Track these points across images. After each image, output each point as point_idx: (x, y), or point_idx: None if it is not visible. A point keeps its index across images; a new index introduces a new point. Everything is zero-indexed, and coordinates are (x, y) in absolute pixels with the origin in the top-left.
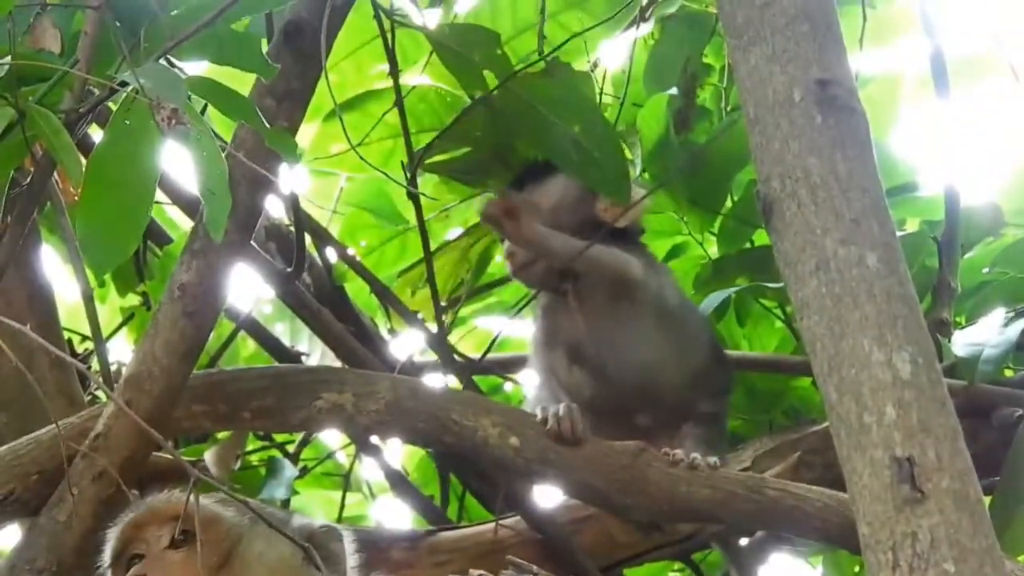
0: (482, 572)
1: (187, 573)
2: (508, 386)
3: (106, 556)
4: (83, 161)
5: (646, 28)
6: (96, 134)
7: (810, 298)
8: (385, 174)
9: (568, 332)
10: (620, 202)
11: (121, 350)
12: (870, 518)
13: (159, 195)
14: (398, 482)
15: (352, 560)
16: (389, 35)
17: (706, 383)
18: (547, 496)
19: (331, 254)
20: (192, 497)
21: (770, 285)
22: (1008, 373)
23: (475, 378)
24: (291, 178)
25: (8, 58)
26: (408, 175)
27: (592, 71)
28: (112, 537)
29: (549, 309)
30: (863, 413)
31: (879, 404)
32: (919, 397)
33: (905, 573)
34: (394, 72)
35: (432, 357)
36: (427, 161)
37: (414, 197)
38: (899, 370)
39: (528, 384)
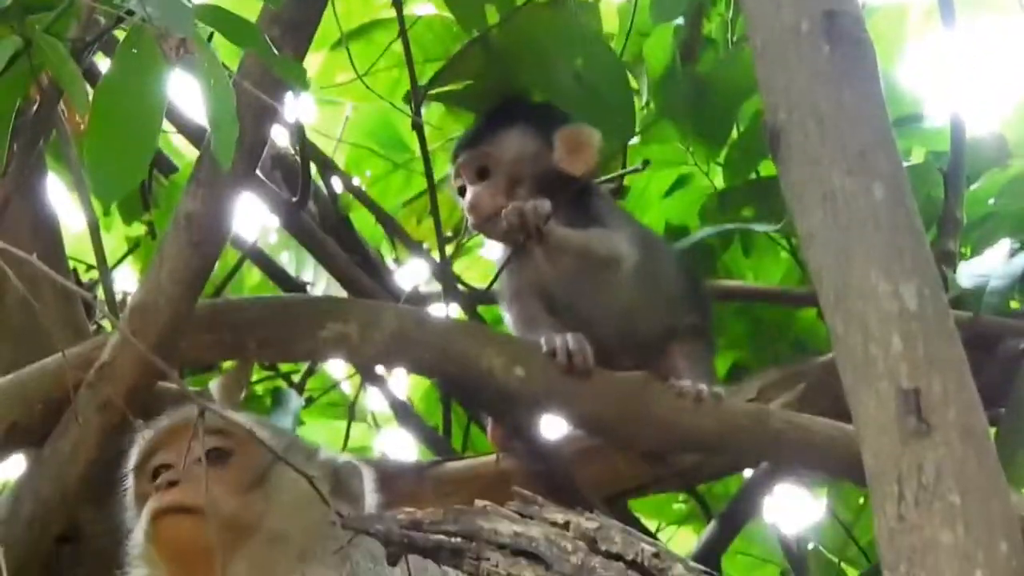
0: (488, 503)
1: (220, 489)
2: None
3: (131, 460)
4: (89, 91)
5: None
6: (102, 63)
7: (816, 229)
8: (391, 103)
9: (536, 284)
10: (625, 137)
11: (126, 279)
12: (875, 450)
13: (164, 124)
14: (403, 413)
15: (371, 498)
16: None
17: (684, 308)
18: (552, 427)
19: (336, 184)
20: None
21: (768, 229)
22: (1014, 305)
23: (480, 309)
24: (297, 108)
25: None
26: (413, 105)
27: (598, 1)
28: (141, 442)
29: (515, 261)
30: (869, 344)
31: (885, 335)
32: (926, 329)
33: (910, 505)
34: (397, 1)
35: (437, 287)
36: (432, 92)
37: (418, 127)
38: (906, 301)
39: None
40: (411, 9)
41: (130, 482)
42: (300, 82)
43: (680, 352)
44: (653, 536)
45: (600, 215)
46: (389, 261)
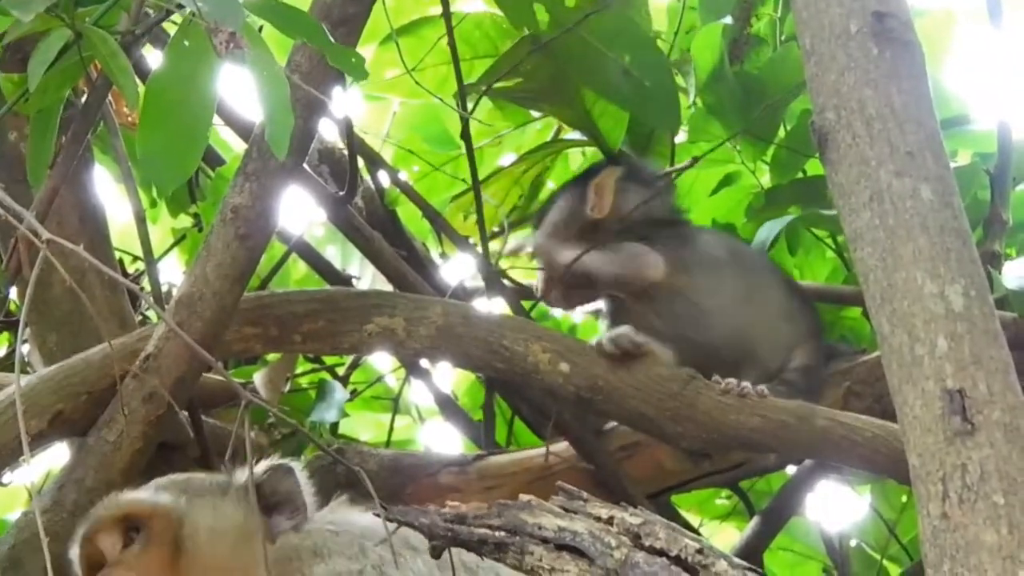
0: (532, 497)
1: (147, 567)
2: (558, 312)
3: (70, 548)
4: (138, 83)
5: None
6: (151, 56)
7: (863, 230)
8: (440, 99)
9: (646, 326)
10: (671, 129)
11: (172, 271)
12: (920, 449)
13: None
14: (447, 406)
15: (307, 489)
16: None
17: (798, 316)
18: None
19: (384, 178)
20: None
21: (824, 212)
22: None
23: (525, 304)
24: (345, 103)
25: None
26: (459, 101)
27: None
28: (74, 557)
29: (617, 313)
30: (915, 345)
31: (931, 336)
32: (971, 329)
33: (954, 504)
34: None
35: (483, 283)
36: (480, 87)
37: (464, 122)
38: (951, 302)
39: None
40: (460, 6)
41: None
42: (357, 71)
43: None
44: (696, 532)
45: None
46: (435, 256)
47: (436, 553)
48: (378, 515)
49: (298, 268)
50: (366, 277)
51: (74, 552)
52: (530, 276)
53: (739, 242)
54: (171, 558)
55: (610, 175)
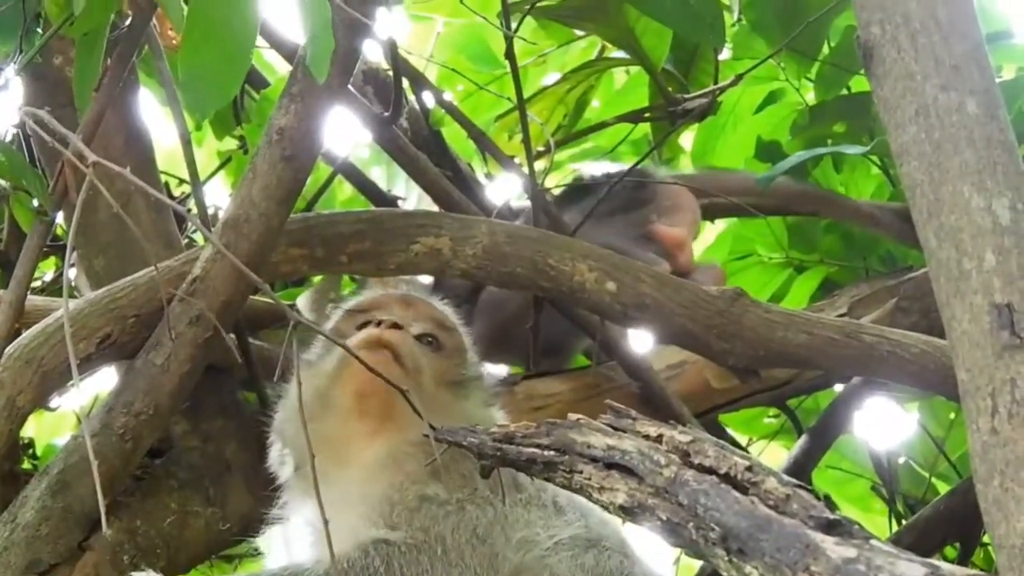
0: (581, 416)
1: (426, 362)
2: None
3: (348, 302)
4: (183, 5)
5: None
6: None
7: (909, 144)
8: (484, 18)
9: None
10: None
11: (218, 194)
12: (969, 364)
13: (257, 39)
14: None
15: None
16: None
17: None
18: (642, 342)
19: (428, 99)
20: (438, 305)
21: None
22: None
23: None
24: (389, 23)
25: None
26: (503, 19)
27: None
28: (369, 295)
29: None
30: (962, 259)
31: (978, 250)
32: (1018, 243)
33: (1004, 419)
34: None
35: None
36: (524, 6)
37: (509, 41)
38: (999, 216)
39: None
40: None
41: (335, 318)
42: None
43: None
44: (744, 450)
45: None
46: (480, 176)
47: (486, 472)
48: (426, 435)
49: (344, 189)
50: (411, 198)
51: (371, 293)
52: None
53: None
54: (440, 384)
55: None
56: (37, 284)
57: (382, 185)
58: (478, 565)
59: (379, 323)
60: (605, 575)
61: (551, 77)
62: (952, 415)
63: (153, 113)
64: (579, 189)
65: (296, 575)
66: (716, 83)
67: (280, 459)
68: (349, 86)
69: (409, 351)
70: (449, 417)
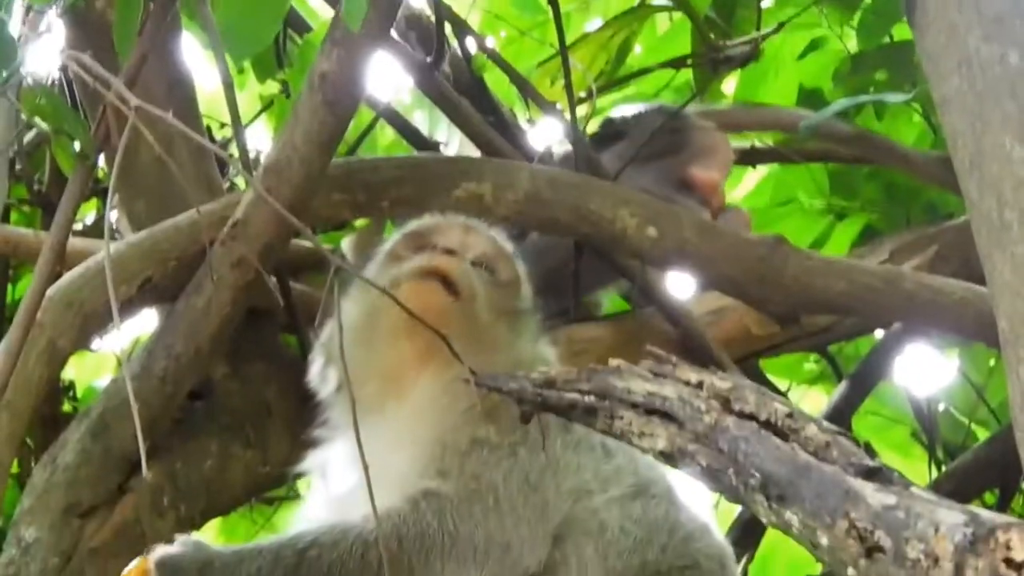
0: (621, 361)
1: (484, 291)
2: None
3: (407, 225)
4: None
5: None
6: None
7: (951, 95)
8: None
9: None
10: None
11: (260, 138)
12: (1009, 314)
13: None
14: None
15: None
16: None
17: None
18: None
19: (471, 44)
20: (497, 235)
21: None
22: None
23: None
24: None
25: None
26: None
27: None
28: (429, 219)
29: None
30: (1004, 210)
31: (1020, 201)
32: None
33: None
34: None
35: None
36: None
37: None
38: None
39: None
40: None
41: (391, 241)
42: None
43: None
44: (784, 396)
45: None
46: (522, 121)
47: (526, 418)
48: (467, 381)
49: (386, 134)
50: (453, 143)
51: (432, 218)
52: None
53: None
54: (495, 312)
55: None
56: (78, 227)
57: (424, 130)
58: (531, 515)
59: (435, 247)
60: (652, 524)
61: (594, 23)
62: (992, 362)
63: (196, 57)
64: (611, 133)
65: (344, 533)
66: (759, 30)
67: (322, 376)
68: (392, 32)
69: (464, 275)
70: (500, 349)
